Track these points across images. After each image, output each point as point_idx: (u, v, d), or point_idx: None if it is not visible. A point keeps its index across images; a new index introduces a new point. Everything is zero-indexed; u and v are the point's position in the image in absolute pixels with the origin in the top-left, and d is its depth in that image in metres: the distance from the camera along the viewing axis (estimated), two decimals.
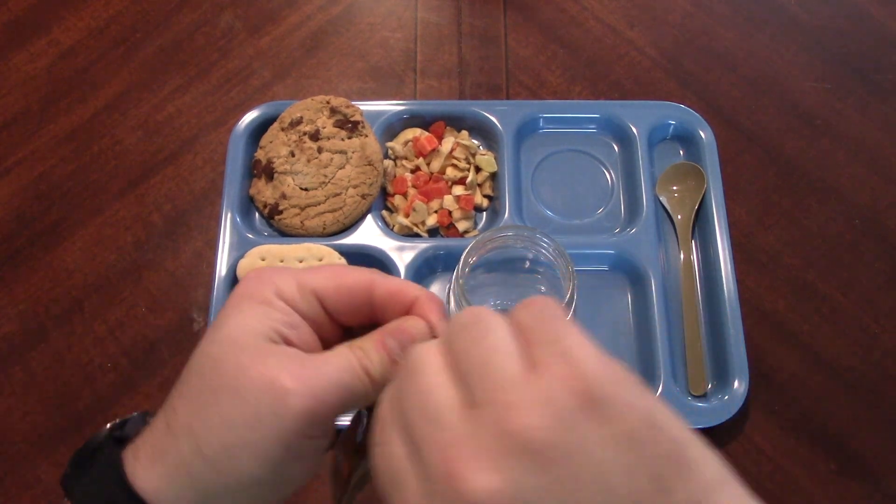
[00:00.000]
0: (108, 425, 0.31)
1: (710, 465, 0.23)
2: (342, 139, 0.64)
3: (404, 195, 0.65)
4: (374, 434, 0.26)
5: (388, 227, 0.64)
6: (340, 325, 0.32)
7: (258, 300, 0.30)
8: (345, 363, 0.29)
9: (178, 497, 0.28)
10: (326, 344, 0.31)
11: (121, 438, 0.31)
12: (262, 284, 0.30)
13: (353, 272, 0.31)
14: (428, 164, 0.66)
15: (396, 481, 0.24)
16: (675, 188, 0.66)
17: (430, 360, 0.25)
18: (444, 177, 0.65)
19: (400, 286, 0.31)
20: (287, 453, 0.28)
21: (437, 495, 0.22)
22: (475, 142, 0.68)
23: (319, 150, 0.64)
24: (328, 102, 0.66)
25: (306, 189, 0.63)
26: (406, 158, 0.67)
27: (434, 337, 0.30)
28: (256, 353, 0.28)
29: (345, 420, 0.32)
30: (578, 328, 0.25)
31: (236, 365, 0.28)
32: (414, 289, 0.31)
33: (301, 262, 0.60)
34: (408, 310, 0.31)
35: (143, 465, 0.29)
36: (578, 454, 0.22)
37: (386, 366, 0.29)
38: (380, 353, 0.29)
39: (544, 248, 0.50)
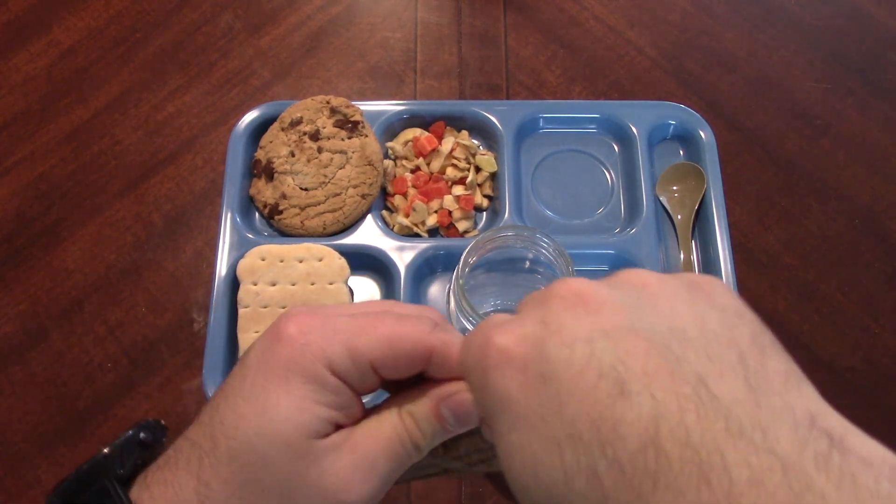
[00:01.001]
0: (104, 453, 0.29)
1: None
2: (342, 139, 0.64)
3: (404, 195, 0.65)
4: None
5: (388, 227, 0.64)
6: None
7: (308, 377, 0.28)
8: (396, 442, 0.28)
9: None
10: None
11: (124, 478, 0.29)
12: (311, 352, 0.28)
13: (410, 335, 0.29)
14: (428, 164, 0.66)
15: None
16: (675, 188, 0.66)
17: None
18: (444, 177, 0.65)
19: (450, 346, 0.29)
20: None
21: (477, 361, 0.25)
22: (475, 142, 0.68)
23: (319, 150, 0.64)
24: (328, 102, 0.66)
25: (306, 189, 0.63)
26: (406, 158, 0.67)
27: None
28: (312, 458, 0.27)
29: None
30: None
31: (289, 470, 0.27)
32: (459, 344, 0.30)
33: (301, 262, 0.60)
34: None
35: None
36: (694, 312, 0.23)
37: (438, 436, 0.29)
38: (433, 426, 0.29)
39: (544, 248, 0.50)
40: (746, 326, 0.23)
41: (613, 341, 0.22)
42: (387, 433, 0.28)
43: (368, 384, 0.29)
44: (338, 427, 0.28)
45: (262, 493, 0.27)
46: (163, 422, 0.32)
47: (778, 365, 0.22)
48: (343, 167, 0.64)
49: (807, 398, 0.21)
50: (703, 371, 0.21)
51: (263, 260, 0.60)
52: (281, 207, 0.63)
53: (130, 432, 0.30)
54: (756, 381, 0.21)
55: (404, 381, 0.30)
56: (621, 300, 0.23)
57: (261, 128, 0.68)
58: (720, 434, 0.19)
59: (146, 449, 0.30)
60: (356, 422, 0.29)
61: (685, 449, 0.19)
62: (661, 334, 0.22)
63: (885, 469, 0.19)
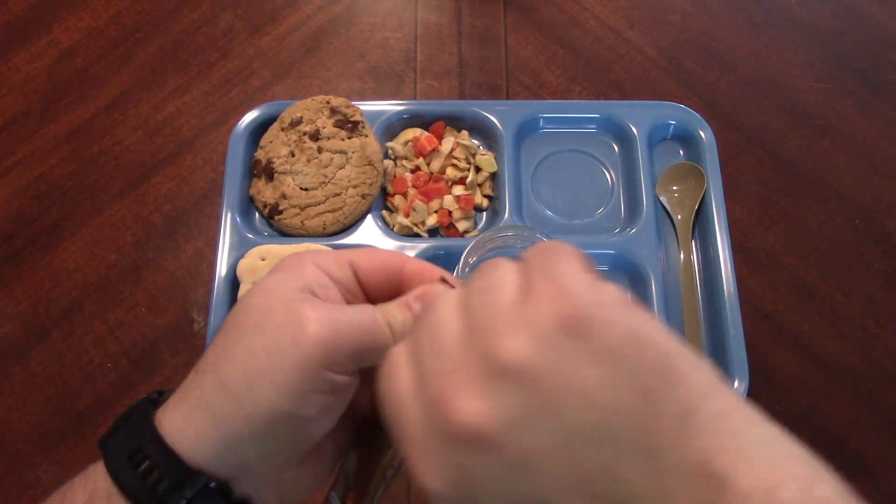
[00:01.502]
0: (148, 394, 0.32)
1: (699, 373, 0.24)
2: (342, 139, 0.64)
3: (404, 195, 0.65)
4: (384, 368, 0.27)
5: (388, 227, 0.64)
6: (369, 300, 0.33)
7: (294, 270, 0.31)
8: (368, 310, 0.30)
9: (199, 436, 0.29)
10: None
11: (156, 401, 0.31)
12: (301, 258, 0.32)
13: (386, 251, 0.33)
14: (428, 164, 0.66)
15: (399, 411, 0.25)
16: (675, 188, 0.66)
17: (445, 300, 0.26)
18: (444, 177, 0.65)
19: (425, 266, 0.32)
20: (305, 382, 0.28)
21: (431, 421, 0.23)
22: (475, 142, 0.68)
23: (319, 150, 0.64)
24: (328, 102, 0.66)
25: (306, 189, 0.63)
26: (406, 158, 0.67)
27: None
28: (285, 297, 0.29)
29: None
30: (579, 257, 0.25)
31: (265, 306, 0.29)
32: (438, 270, 0.32)
33: None
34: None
35: (170, 408, 0.30)
36: (560, 372, 0.22)
37: (409, 323, 0.30)
38: (403, 312, 0.30)
39: None
40: (632, 372, 0.23)
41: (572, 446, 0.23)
42: (361, 312, 0.30)
43: (352, 289, 0.32)
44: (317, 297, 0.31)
45: (241, 332, 0.29)
46: None
47: (673, 407, 0.23)
48: (343, 167, 0.64)
49: (696, 436, 0.22)
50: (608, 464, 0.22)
51: (263, 260, 0.60)
52: (281, 207, 0.63)
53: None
54: (657, 456, 0.22)
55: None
56: (498, 414, 0.23)
57: (261, 128, 0.68)
58: None
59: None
60: None
61: None
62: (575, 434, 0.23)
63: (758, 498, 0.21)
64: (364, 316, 0.30)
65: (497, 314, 0.24)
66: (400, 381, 0.26)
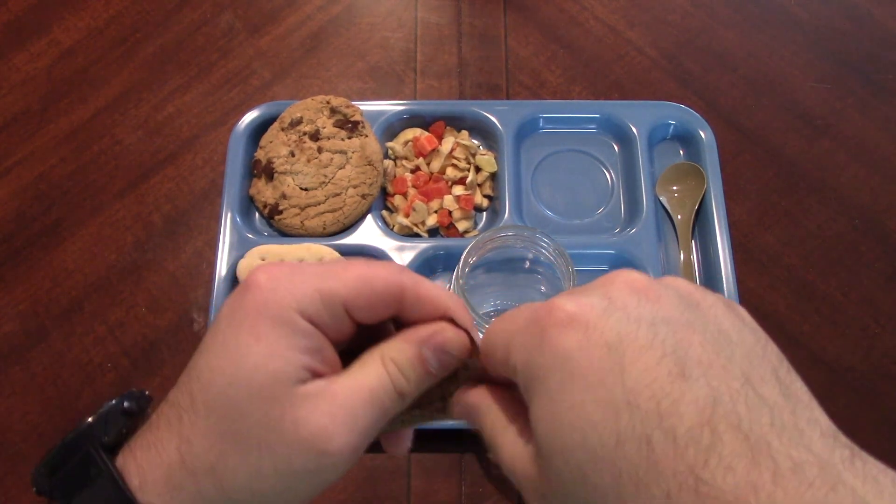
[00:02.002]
0: (88, 422, 0.29)
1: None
2: (342, 139, 0.64)
3: (404, 195, 0.65)
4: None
5: (388, 227, 0.64)
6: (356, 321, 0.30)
7: (278, 321, 0.27)
8: (380, 390, 0.28)
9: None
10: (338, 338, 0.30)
11: (109, 445, 0.29)
12: (280, 297, 0.27)
13: (380, 274, 0.29)
14: (428, 164, 0.66)
15: (512, 323, 0.27)
16: (675, 188, 0.66)
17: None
18: (444, 177, 0.65)
19: (431, 294, 0.29)
20: (321, 488, 0.28)
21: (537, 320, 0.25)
22: (475, 142, 0.68)
23: (319, 150, 0.64)
24: (328, 102, 0.66)
25: (306, 189, 0.63)
26: (406, 158, 0.67)
27: (472, 351, 0.30)
28: (288, 406, 0.26)
29: None
30: None
31: (266, 419, 0.26)
32: (445, 297, 0.30)
33: (301, 262, 0.59)
34: (438, 317, 0.30)
35: (155, 493, 0.27)
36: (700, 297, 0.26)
37: (422, 382, 0.29)
38: (417, 371, 0.28)
39: (544, 248, 0.50)
40: (773, 350, 0.26)
41: (673, 329, 0.24)
42: (369, 382, 0.28)
43: (342, 328, 0.29)
44: (316, 375, 0.28)
45: (241, 444, 0.26)
46: (147, 392, 0.32)
47: (801, 387, 0.25)
48: (343, 167, 0.64)
49: (826, 419, 0.24)
50: (749, 372, 0.23)
51: (263, 260, 0.60)
52: (281, 207, 0.63)
53: (114, 401, 0.30)
54: (787, 393, 0.23)
55: (380, 334, 0.30)
56: (676, 298, 0.25)
57: (261, 128, 0.68)
58: (766, 427, 0.21)
59: (130, 417, 0.30)
60: (335, 371, 0.29)
61: (737, 432, 0.21)
62: (711, 333, 0.24)
63: None
64: (378, 400, 0.27)
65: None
66: (515, 319, 0.27)
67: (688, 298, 0.26)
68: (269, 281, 0.28)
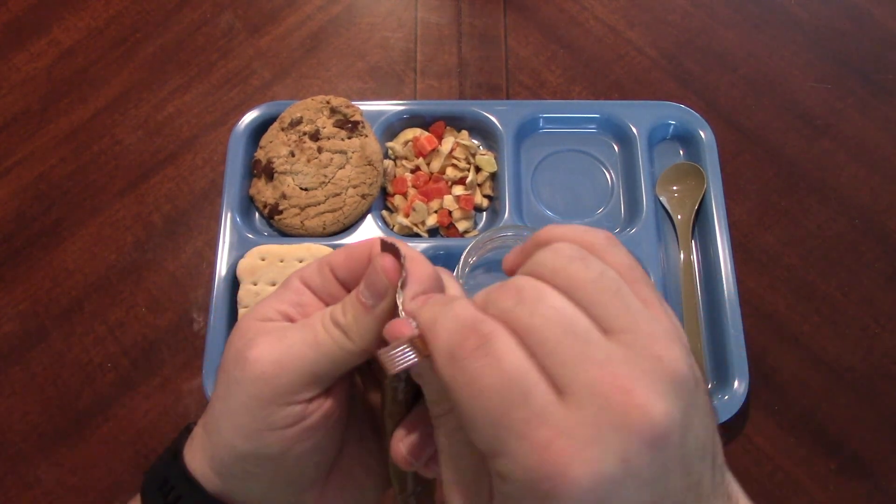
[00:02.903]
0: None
1: None
2: (342, 139, 0.64)
3: (404, 195, 0.65)
4: (460, 349, 0.24)
5: (388, 227, 0.64)
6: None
7: (278, 291, 0.31)
8: (313, 321, 0.29)
9: (204, 471, 0.30)
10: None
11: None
12: (290, 276, 0.32)
13: (360, 242, 0.31)
14: (428, 164, 0.66)
15: (517, 391, 0.22)
16: (675, 188, 0.66)
17: (547, 288, 0.24)
18: (444, 177, 0.65)
19: (374, 241, 0.31)
20: (256, 421, 0.28)
21: (597, 409, 0.22)
22: (475, 142, 0.68)
23: (319, 150, 0.64)
24: (328, 102, 0.66)
25: (306, 189, 0.63)
26: (406, 158, 0.67)
27: (403, 279, 0.29)
28: (242, 334, 0.29)
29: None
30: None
31: (236, 355, 0.29)
32: (403, 247, 0.30)
33: (301, 261, 0.60)
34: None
35: (191, 440, 0.32)
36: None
37: (362, 318, 0.29)
38: (354, 308, 0.29)
39: None
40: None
41: None
42: (310, 319, 0.30)
43: (334, 292, 0.31)
44: (289, 319, 0.31)
45: (221, 381, 0.30)
46: None
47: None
48: (343, 167, 0.64)
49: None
50: None
51: (263, 260, 0.60)
52: (281, 207, 0.63)
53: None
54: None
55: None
56: (680, 418, 0.23)
57: (261, 128, 0.68)
58: None
59: None
60: None
61: None
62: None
63: None
64: (308, 333, 0.29)
65: (640, 318, 0.23)
66: (506, 361, 0.23)
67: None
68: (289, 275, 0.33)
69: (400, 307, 0.27)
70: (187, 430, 0.33)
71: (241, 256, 0.60)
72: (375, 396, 0.34)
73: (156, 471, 0.32)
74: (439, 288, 0.29)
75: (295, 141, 0.64)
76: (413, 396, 0.29)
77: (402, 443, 0.29)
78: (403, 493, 0.31)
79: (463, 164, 0.66)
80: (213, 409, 0.30)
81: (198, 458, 0.31)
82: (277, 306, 0.30)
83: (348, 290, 0.31)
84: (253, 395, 0.28)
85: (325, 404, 0.29)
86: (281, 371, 0.28)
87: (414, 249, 0.29)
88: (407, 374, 0.28)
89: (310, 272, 0.31)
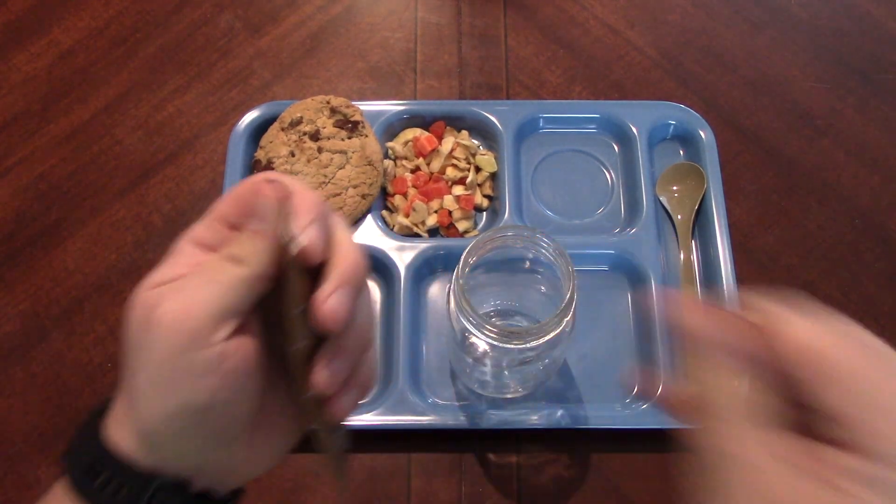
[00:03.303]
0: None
1: None
2: (342, 139, 0.64)
3: (404, 195, 0.65)
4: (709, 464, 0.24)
5: (388, 227, 0.64)
6: None
7: (168, 259, 0.32)
8: (208, 263, 0.30)
9: (130, 441, 0.30)
10: None
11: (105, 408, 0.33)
12: (178, 242, 0.32)
13: (244, 183, 0.32)
14: (428, 164, 0.66)
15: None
16: (675, 188, 0.66)
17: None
18: (444, 177, 0.65)
19: (256, 178, 0.32)
20: (176, 371, 0.28)
21: None
22: (475, 142, 0.68)
23: (319, 150, 0.64)
24: (328, 102, 0.66)
25: None
26: (406, 158, 0.67)
27: (282, 200, 0.30)
28: (151, 304, 0.29)
29: None
30: None
31: (143, 320, 0.29)
32: (287, 179, 0.32)
33: None
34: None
35: (112, 414, 0.32)
36: None
37: (259, 247, 0.30)
38: (250, 239, 0.30)
39: (544, 248, 0.50)
40: None
41: None
42: (209, 259, 0.30)
43: (224, 239, 0.31)
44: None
45: (132, 350, 0.30)
46: None
47: None
48: (343, 167, 0.64)
49: None
50: None
51: None
52: None
53: None
54: None
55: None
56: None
57: (261, 128, 0.68)
58: None
59: None
60: None
61: None
62: None
63: None
64: (205, 275, 0.29)
65: None
66: (778, 484, 0.23)
67: None
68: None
69: (292, 230, 0.29)
70: (96, 414, 0.32)
71: None
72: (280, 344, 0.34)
73: (77, 454, 0.31)
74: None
75: (295, 141, 0.64)
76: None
77: (319, 373, 0.30)
78: (317, 420, 0.32)
79: (463, 164, 0.66)
80: (132, 381, 0.29)
81: (123, 434, 0.30)
82: (171, 272, 0.30)
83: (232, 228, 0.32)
84: (168, 347, 0.28)
85: (243, 344, 0.29)
86: (188, 315, 0.28)
87: (297, 182, 0.31)
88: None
89: (199, 230, 0.31)
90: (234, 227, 0.31)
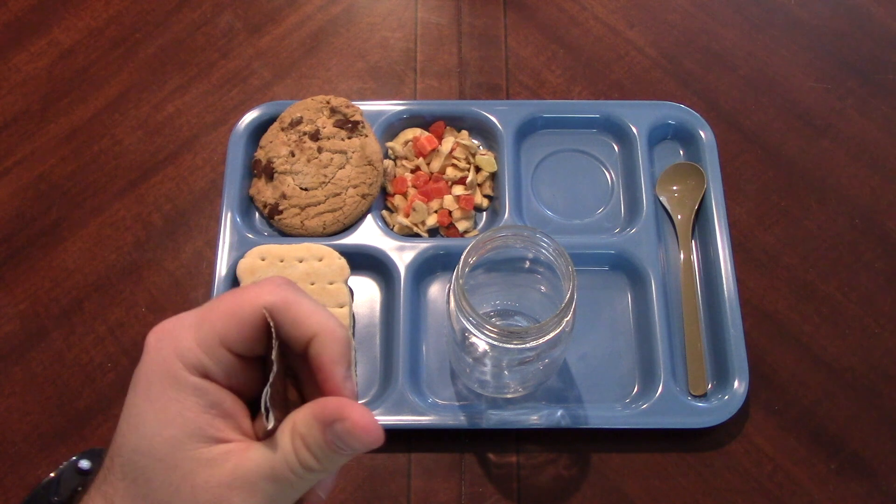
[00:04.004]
0: (43, 483, 0.31)
1: None
2: (342, 139, 0.64)
3: (404, 195, 0.65)
4: None
5: (388, 227, 0.64)
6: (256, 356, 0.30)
7: (167, 382, 0.27)
8: (283, 465, 0.27)
9: None
10: (248, 381, 0.30)
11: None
12: (164, 357, 0.28)
13: (247, 300, 0.28)
14: (428, 164, 0.66)
15: None
16: (675, 188, 0.66)
17: None
18: (444, 177, 0.65)
19: (305, 316, 0.28)
20: None
21: None
22: (475, 142, 0.68)
23: (319, 150, 0.64)
24: (328, 102, 0.66)
25: (306, 189, 0.63)
26: (406, 158, 0.67)
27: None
28: (187, 472, 0.27)
29: None
30: None
31: (167, 485, 0.27)
32: (320, 319, 0.28)
33: (301, 261, 0.60)
34: (309, 340, 0.29)
35: None
36: None
37: (335, 459, 0.28)
38: (325, 451, 0.28)
39: (544, 248, 0.50)
40: None
41: None
42: (274, 456, 0.27)
43: (233, 371, 0.29)
44: (217, 435, 0.28)
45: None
46: (105, 449, 0.31)
47: None
48: (343, 167, 0.64)
49: None
50: None
51: (263, 260, 0.60)
52: (281, 207, 0.63)
53: (73, 458, 0.32)
54: None
55: (306, 379, 0.30)
56: None
57: (261, 128, 0.68)
58: None
59: (85, 476, 0.31)
60: (240, 423, 0.29)
61: None
62: None
63: None
64: (284, 484, 0.27)
65: None
66: None
67: None
68: (156, 341, 0.28)
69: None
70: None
71: (241, 256, 0.60)
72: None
73: None
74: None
75: (295, 141, 0.64)
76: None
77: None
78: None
79: (463, 164, 0.66)
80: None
81: None
82: (192, 422, 0.27)
83: (243, 359, 0.29)
84: None
85: None
86: None
87: (324, 313, 0.28)
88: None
89: (198, 358, 0.28)
90: (233, 350, 0.29)
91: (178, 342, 0.28)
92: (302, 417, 0.28)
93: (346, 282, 0.60)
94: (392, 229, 0.64)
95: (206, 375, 0.28)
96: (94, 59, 0.73)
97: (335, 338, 0.28)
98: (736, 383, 0.57)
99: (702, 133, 0.67)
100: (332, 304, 0.59)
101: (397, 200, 0.65)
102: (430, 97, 0.71)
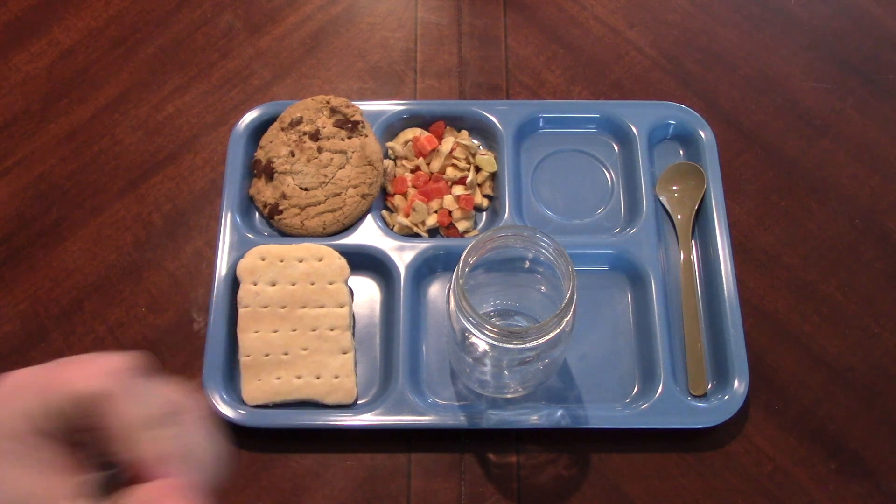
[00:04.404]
0: None
1: None
2: (342, 139, 0.64)
3: (404, 195, 0.65)
4: None
5: (388, 227, 0.64)
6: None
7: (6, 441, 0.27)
8: None
9: None
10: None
11: None
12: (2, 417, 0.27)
13: (68, 374, 0.29)
14: (428, 164, 0.66)
15: None
16: (675, 188, 0.66)
17: None
18: (444, 177, 0.65)
19: (128, 421, 0.28)
20: None
21: None
22: (475, 142, 0.68)
23: (319, 150, 0.64)
24: (328, 102, 0.66)
25: (306, 189, 0.63)
26: (406, 158, 0.67)
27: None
28: None
29: None
30: None
31: None
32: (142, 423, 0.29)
33: (301, 261, 0.60)
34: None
35: None
36: None
37: None
38: None
39: (544, 248, 0.50)
40: None
41: None
42: None
43: (43, 458, 0.28)
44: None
45: None
46: None
47: None
48: (343, 167, 0.64)
49: None
50: None
51: (263, 260, 0.60)
52: (281, 207, 0.63)
53: None
54: None
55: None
56: None
57: (261, 128, 0.68)
58: None
59: None
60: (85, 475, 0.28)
61: None
62: None
63: None
64: None
65: None
66: None
67: None
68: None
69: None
70: None
71: (241, 256, 0.60)
72: None
73: None
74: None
75: (295, 141, 0.64)
76: None
77: None
78: None
79: (463, 164, 0.66)
80: None
81: None
82: (23, 485, 0.27)
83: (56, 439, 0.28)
84: None
85: None
86: None
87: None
88: None
89: (40, 416, 0.27)
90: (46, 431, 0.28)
91: (17, 403, 0.28)
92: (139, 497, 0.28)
93: (346, 282, 0.60)
94: (392, 229, 0.64)
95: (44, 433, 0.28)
96: (94, 59, 0.73)
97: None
98: (736, 383, 0.57)
99: (702, 133, 0.67)
100: (332, 304, 0.59)
101: (397, 200, 0.65)
102: (430, 97, 0.71)
